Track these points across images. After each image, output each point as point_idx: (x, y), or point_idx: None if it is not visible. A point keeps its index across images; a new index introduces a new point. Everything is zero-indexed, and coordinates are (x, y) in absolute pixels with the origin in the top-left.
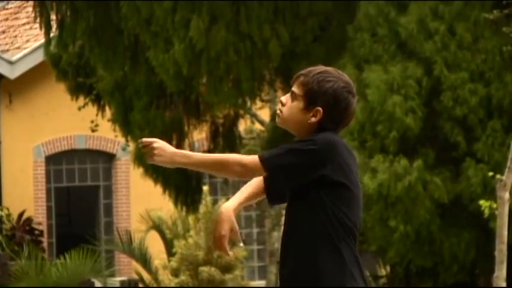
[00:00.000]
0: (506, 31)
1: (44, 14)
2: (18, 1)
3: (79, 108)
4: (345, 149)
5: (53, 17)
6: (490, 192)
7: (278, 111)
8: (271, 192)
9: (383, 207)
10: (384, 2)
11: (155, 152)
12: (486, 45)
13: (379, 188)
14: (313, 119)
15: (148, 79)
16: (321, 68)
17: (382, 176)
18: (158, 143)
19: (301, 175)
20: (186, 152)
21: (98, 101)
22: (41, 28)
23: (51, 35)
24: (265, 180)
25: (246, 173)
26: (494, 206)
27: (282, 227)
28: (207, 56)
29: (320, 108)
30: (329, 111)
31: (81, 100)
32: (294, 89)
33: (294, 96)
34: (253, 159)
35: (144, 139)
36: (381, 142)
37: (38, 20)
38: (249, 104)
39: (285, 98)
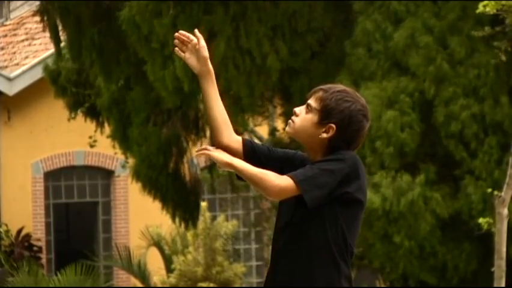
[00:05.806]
0: (497, 45)
1: (52, 26)
2: (17, 18)
3: (68, 119)
4: (363, 168)
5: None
6: (490, 209)
7: (290, 121)
8: (310, 205)
9: (386, 223)
10: (382, 17)
11: (211, 149)
12: (480, 60)
13: (383, 204)
14: (324, 135)
15: (145, 95)
16: (341, 87)
17: (386, 191)
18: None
19: (331, 193)
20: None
21: (97, 117)
22: (51, 40)
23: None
24: (298, 196)
25: (278, 193)
26: (492, 222)
27: (274, 234)
28: None
29: (333, 125)
30: (342, 130)
31: (79, 116)
32: (311, 101)
33: (309, 109)
34: (287, 180)
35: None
36: (380, 158)
37: (47, 31)
38: (248, 119)
39: (299, 109)
